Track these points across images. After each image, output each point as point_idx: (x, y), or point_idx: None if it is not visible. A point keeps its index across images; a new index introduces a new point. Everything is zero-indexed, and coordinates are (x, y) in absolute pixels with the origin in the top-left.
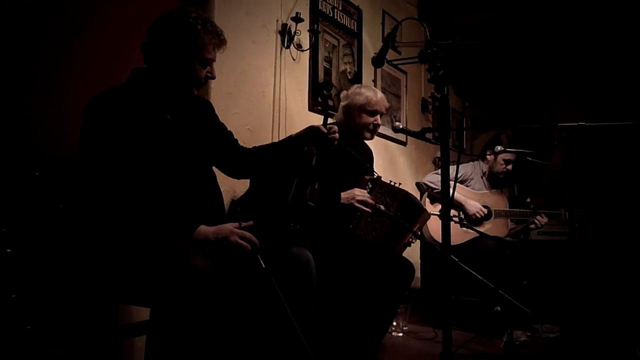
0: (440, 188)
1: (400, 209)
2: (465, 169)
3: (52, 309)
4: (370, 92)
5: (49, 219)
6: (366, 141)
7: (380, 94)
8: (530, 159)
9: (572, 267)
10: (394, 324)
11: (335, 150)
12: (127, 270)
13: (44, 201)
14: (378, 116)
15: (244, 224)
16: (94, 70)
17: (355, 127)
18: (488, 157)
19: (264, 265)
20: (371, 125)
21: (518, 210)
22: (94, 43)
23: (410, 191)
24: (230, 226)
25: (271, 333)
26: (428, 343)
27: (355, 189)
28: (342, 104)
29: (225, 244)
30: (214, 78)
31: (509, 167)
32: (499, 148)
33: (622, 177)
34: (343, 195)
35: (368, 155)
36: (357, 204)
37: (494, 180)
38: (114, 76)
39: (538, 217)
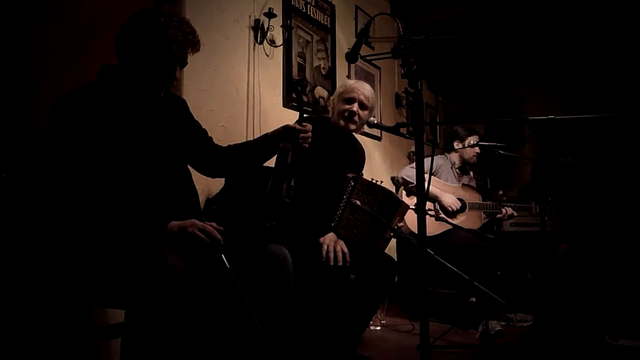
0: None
1: (381, 206)
2: (436, 161)
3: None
4: (350, 81)
5: (16, 221)
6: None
7: (360, 84)
8: (502, 152)
9: (543, 258)
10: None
11: (324, 146)
12: (100, 272)
13: (10, 203)
14: (355, 104)
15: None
16: (62, 65)
17: (334, 117)
18: (456, 146)
19: (228, 265)
20: (346, 112)
21: (491, 203)
22: (61, 38)
23: (386, 185)
24: (194, 220)
25: (244, 332)
26: (406, 335)
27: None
28: (331, 98)
29: (183, 235)
30: (176, 79)
31: (477, 150)
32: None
33: (589, 169)
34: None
35: (359, 151)
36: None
37: (465, 170)
38: (82, 72)
39: (507, 207)
